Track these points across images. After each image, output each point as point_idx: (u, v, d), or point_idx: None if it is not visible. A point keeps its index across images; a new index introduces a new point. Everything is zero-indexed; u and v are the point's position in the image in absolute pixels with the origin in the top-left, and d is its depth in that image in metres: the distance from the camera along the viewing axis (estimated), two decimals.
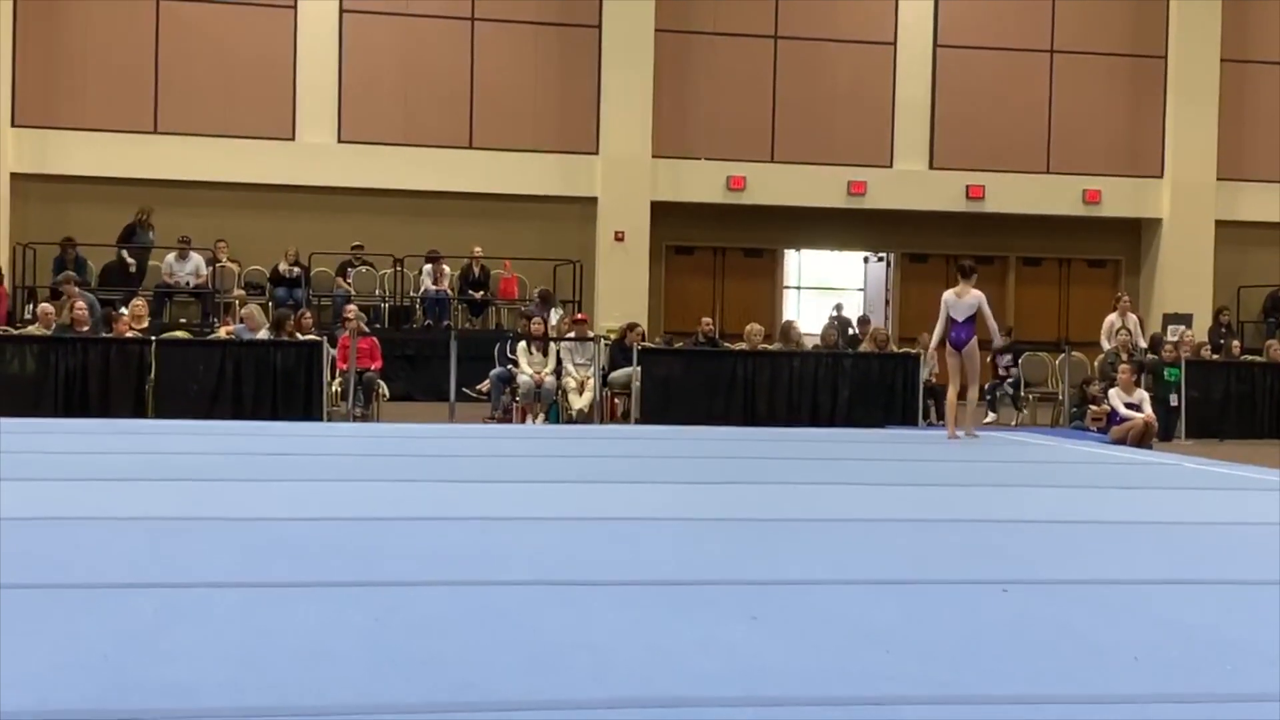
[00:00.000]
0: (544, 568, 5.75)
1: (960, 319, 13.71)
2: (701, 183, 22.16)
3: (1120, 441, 14.39)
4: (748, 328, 17.34)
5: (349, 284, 20.52)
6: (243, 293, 19.49)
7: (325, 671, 3.99)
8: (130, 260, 19.69)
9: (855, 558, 6.35)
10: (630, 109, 21.71)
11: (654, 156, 21.86)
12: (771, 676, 4.05)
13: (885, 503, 8.55)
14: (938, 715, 3.78)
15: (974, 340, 13.79)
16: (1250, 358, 18.32)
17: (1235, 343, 19.27)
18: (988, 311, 13.87)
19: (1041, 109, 23.00)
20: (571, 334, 16.94)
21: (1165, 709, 3.86)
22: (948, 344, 13.83)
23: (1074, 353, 18.27)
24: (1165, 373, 16.57)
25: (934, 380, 17.26)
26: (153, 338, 15.27)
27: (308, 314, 17.16)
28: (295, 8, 21.32)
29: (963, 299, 13.74)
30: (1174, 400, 16.36)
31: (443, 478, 9.27)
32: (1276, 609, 5.32)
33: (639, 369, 16.04)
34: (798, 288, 24.58)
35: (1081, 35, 22.99)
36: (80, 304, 15.96)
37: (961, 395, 14.00)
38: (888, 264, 23.86)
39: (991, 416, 18.07)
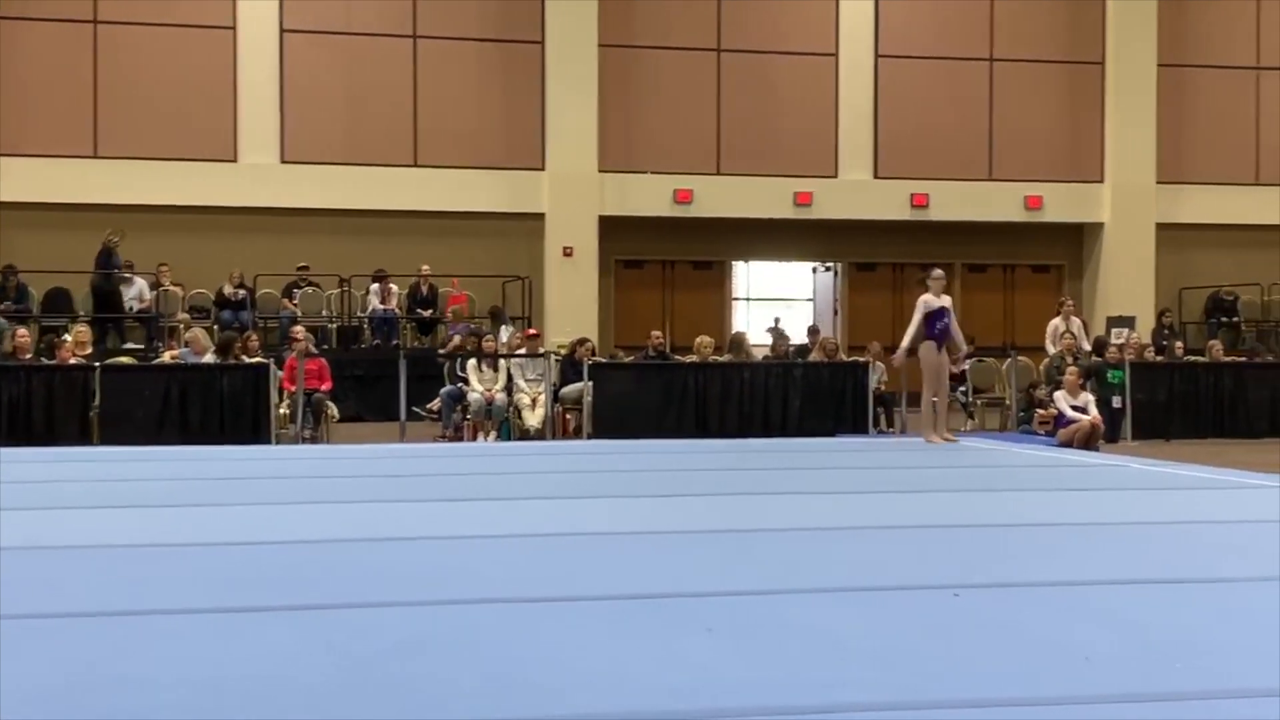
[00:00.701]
0: (503, 586, 5.75)
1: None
2: (649, 196, 22.20)
3: (1068, 444, 14.53)
4: (698, 340, 17.39)
5: (295, 305, 20.42)
6: (187, 316, 19.33)
7: (289, 696, 3.98)
8: (127, 274, 19.43)
9: (809, 566, 6.38)
10: (576, 124, 21.72)
11: (600, 171, 21.89)
12: (731, 688, 4.08)
13: (837, 511, 8.59)
14: None
15: (921, 345, 13.85)
16: (1193, 358, 18.54)
17: (1178, 344, 19.51)
18: (916, 316, 13.88)
19: (982, 117, 23.20)
20: (522, 350, 16.93)
21: (1118, 709, 3.91)
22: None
23: (1020, 357, 18.43)
24: (1109, 375, 16.74)
25: (883, 388, 17.37)
26: (96, 364, 15.14)
27: (254, 336, 17.06)
28: (235, 29, 21.21)
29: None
30: (1117, 402, 16.52)
31: (398, 498, 9.24)
32: (1222, 607, 5.39)
33: (590, 384, 16.05)
34: (747, 299, 24.66)
35: (1020, 43, 23.22)
36: (22, 331, 15.81)
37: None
38: (836, 274, 23.99)
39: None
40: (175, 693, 3.97)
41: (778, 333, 20.94)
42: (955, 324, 13.98)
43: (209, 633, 4.81)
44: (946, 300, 13.94)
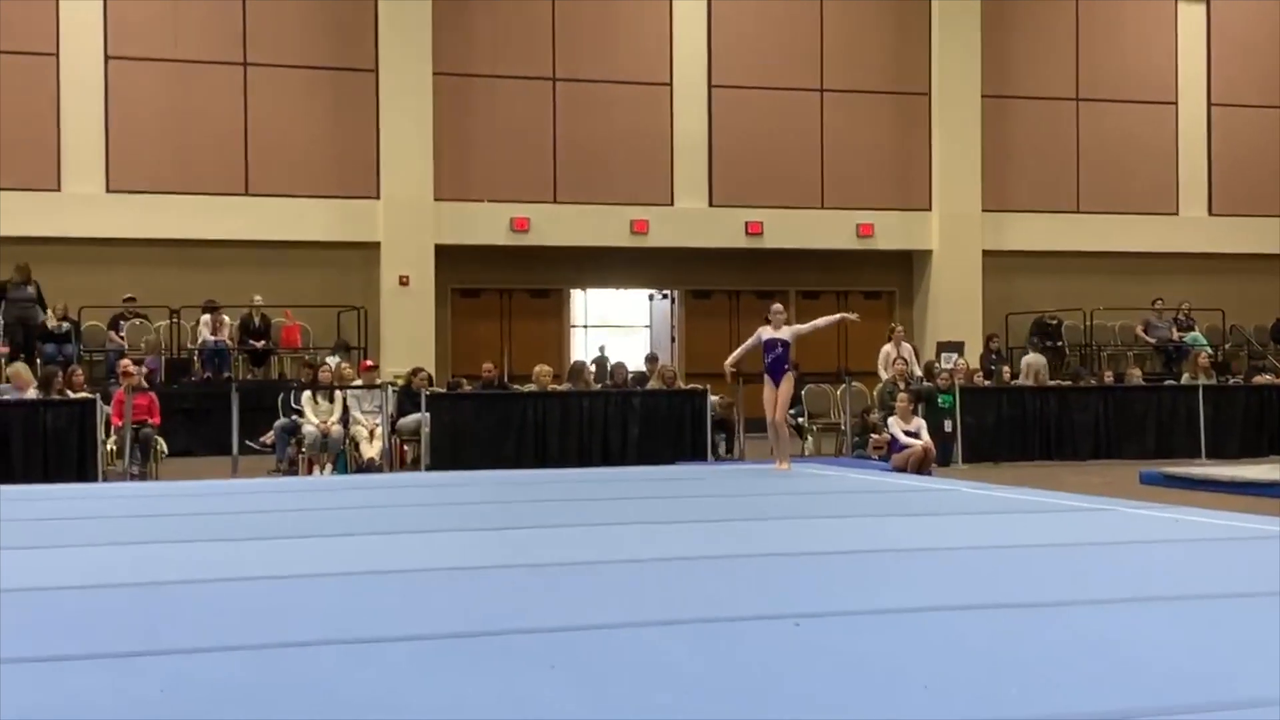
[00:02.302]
0: (338, 626, 5.62)
1: None
2: (485, 225, 22.11)
3: (901, 469, 14.78)
4: (536, 369, 17.34)
5: (122, 338, 19.87)
6: (6, 350, 18.69)
7: None
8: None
9: (651, 599, 6.36)
10: (411, 152, 21.57)
11: (436, 199, 21.75)
12: None
13: (676, 541, 8.59)
14: None
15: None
16: (1020, 382, 19.00)
17: (1005, 368, 19.99)
18: (747, 342, 14.39)
19: (814, 146, 23.59)
20: (358, 381, 16.69)
21: None
22: None
23: (854, 383, 18.70)
24: (940, 400, 17.08)
25: (719, 410, 17.47)
26: None
27: (79, 370, 16.55)
28: (57, 55, 20.63)
29: None
30: (948, 426, 16.86)
31: (228, 536, 8.99)
32: (1054, 630, 5.51)
33: (427, 415, 15.88)
34: (585, 327, 24.69)
35: (849, 74, 23.68)
36: None
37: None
38: (672, 301, 24.15)
39: None
40: None
41: (604, 361, 20.88)
42: (803, 330, 14.36)
43: (24, 682, 4.61)
44: (784, 333, 14.06)
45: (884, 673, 4.69)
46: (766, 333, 14.02)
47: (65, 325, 19.34)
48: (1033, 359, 20.30)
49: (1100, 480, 14.13)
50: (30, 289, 18.88)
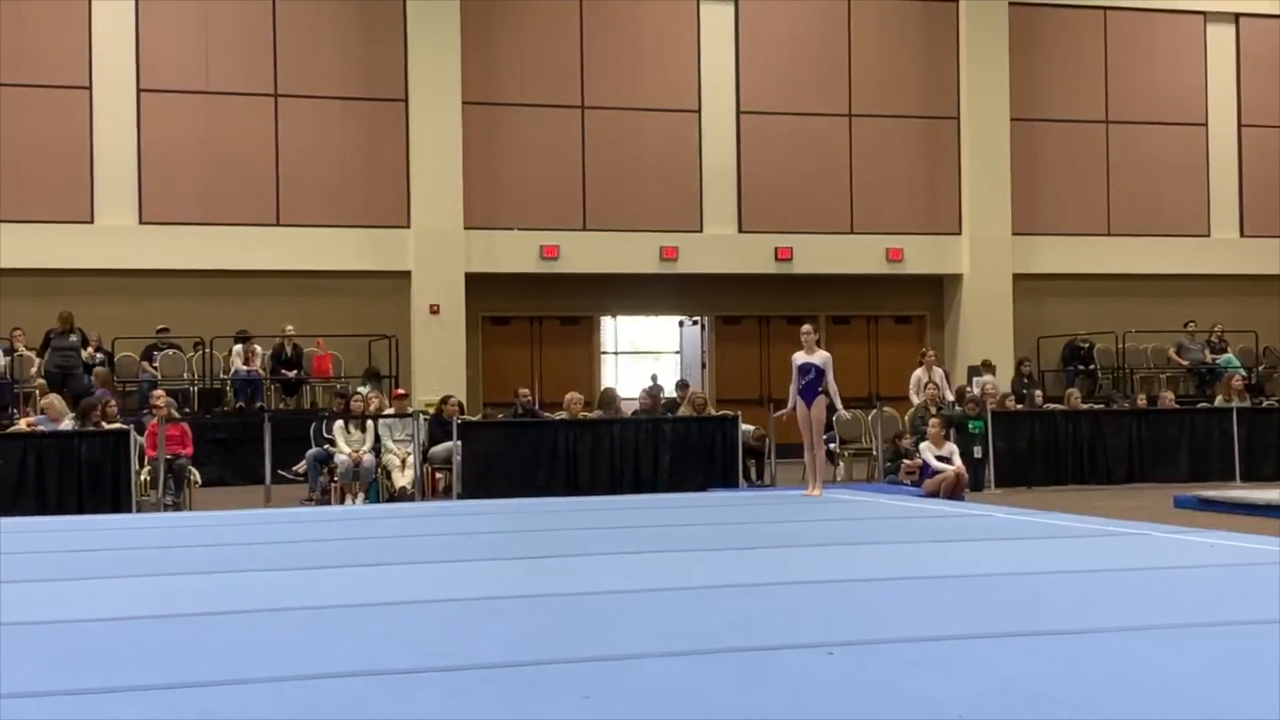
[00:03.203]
0: (370, 657, 5.63)
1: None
2: (515, 253, 22.17)
3: (933, 494, 14.73)
4: (567, 396, 17.36)
5: (155, 368, 19.99)
6: (43, 382, 18.83)
7: None
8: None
9: (683, 627, 6.35)
10: (440, 181, 21.66)
11: (466, 228, 21.83)
12: None
13: (707, 569, 8.57)
14: None
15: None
16: (1052, 406, 18.93)
17: (1037, 392, 19.90)
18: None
19: (843, 171, 23.58)
20: (390, 410, 16.74)
21: None
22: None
23: (885, 408, 18.64)
24: (970, 425, 17.01)
25: (752, 441, 17.46)
26: None
27: (113, 402, 16.65)
28: (90, 89, 20.82)
29: None
30: (978, 452, 16.78)
31: (260, 567, 9.02)
32: (1089, 657, 5.47)
33: (459, 443, 15.92)
34: (615, 353, 24.72)
35: (877, 99, 23.66)
36: None
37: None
38: (702, 327, 24.15)
39: None
40: None
41: (657, 390, 20.70)
42: (830, 379, 14.02)
43: (59, 716, 4.63)
44: (817, 356, 14.03)
45: (918, 702, 4.68)
46: (800, 358, 14.04)
47: (99, 356, 19.47)
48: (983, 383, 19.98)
49: (1134, 504, 14.05)
50: (73, 338, 18.95)
